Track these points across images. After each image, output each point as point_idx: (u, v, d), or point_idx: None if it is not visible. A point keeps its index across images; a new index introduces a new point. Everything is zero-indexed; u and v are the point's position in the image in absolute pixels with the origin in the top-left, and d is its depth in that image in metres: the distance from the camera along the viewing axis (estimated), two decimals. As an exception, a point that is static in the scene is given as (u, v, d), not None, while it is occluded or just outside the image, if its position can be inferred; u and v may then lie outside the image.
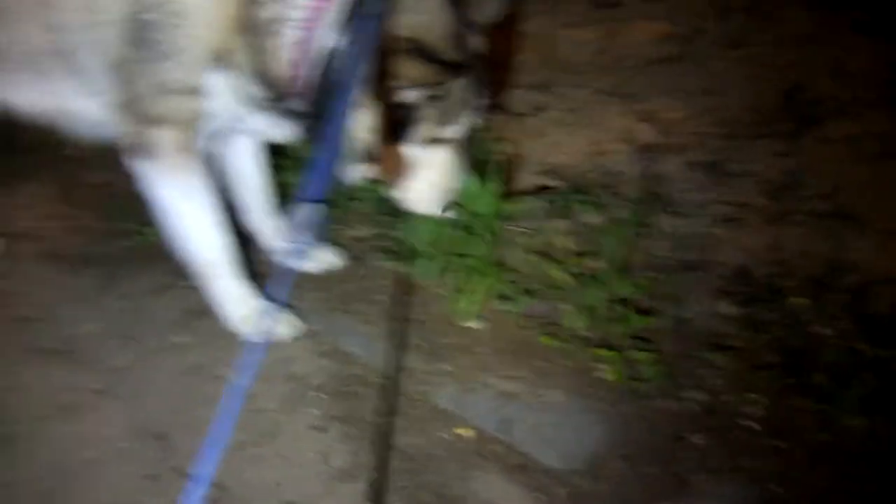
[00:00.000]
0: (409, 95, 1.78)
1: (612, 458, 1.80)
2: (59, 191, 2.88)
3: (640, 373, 1.99)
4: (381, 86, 1.76)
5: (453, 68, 1.79)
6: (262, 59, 1.79)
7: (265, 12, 1.73)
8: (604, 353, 2.03)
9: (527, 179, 2.69)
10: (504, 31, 3.88)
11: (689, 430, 1.85)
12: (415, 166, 1.92)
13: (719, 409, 1.90)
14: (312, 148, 1.64)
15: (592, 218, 2.49)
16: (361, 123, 1.80)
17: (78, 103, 1.96)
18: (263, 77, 1.81)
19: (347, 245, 2.50)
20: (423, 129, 1.85)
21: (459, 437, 1.87)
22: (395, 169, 1.91)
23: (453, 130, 1.90)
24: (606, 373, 2.00)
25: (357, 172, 1.94)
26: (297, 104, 1.83)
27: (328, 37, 1.71)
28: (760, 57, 3.28)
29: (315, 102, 1.78)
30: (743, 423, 1.86)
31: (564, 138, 2.95)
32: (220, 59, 1.78)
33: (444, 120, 1.86)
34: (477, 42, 1.88)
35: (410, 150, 1.88)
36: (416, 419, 1.90)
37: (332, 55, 1.71)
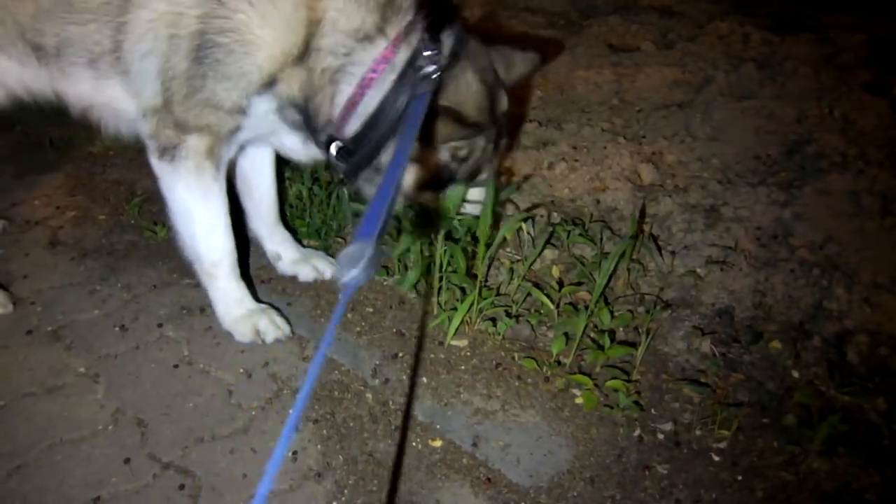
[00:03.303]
0: (443, 151, 2.07)
1: (578, 480, 1.82)
2: (77, 184, 2.99)
3: (613, 401, 2.01)
4: (426, 146, 2.04)
5: (476, 127, 2.03)
6: (316, 102, 1.94)
7: (333, 61, 1.88)
8: (580, 379, 2.05)
9: (525, 208, 2.75)
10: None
11: (656, 460, 1.87)
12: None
13: (687, 442, 1.92)
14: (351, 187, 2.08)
15: (584, 250, 2.54)
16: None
17: (121, 103, 2.03)
18: (312, 114, 1.96)
19: (344, 257, 2.57)
20: (460, 177, 2.17)
21: (431, 448, 1.90)
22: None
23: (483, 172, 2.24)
24: (581, 398, 2.03)
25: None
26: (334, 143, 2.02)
27: (379, 96, 1.89)
28: (767, 108, 3.33)
29: (351, 151, 1.98)
30: (709, 457, 1.88)
31: (567, 173, 3.01)
32: (271, 85, 1.90)
33: (473, 169, 2.16)
34: (504, 101, 2.14)
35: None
36: (391, 427, 1.94)
37: (380, 113, 1.89)
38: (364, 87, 1.90)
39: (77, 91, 2.06)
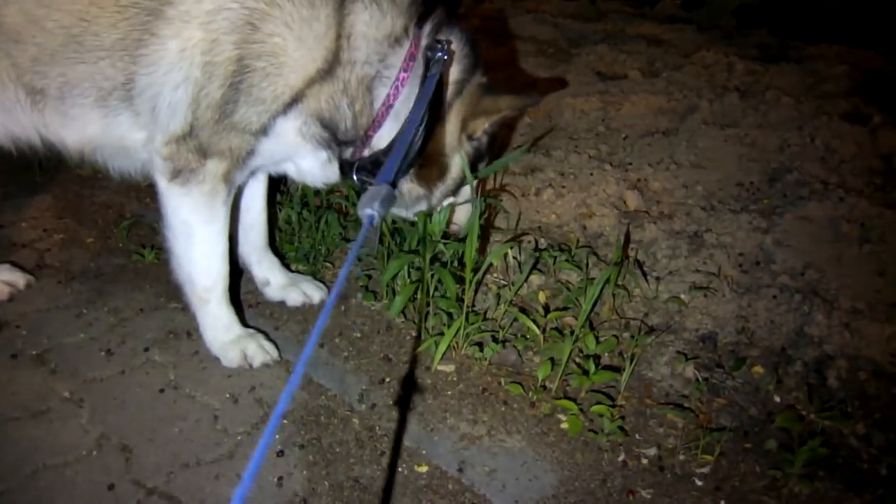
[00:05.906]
0: (490, 128, 2.19)
1: (562, 506, 1.83)
2: (65, 207, 2.99)
3: (598, 426, 2.03)
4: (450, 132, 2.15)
5: (523, 98, 2.25)
6: (355, 110, 1.98)
7: (370, 70, 1.95)
8: (565, 404, 2.07)
9: (511, 234, 2.77)
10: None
11: (640, 485, 1.88)
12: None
13: (671, 467, 1.93)
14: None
15: (570, 276, 2.57)
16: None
17: (128, 136, 1.99)
18: (348, 124, 2.00)
19: (332, 282, 2.59)
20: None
21: (417, 473, 1.90)
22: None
23: None
24: (566, 423, 2.04)
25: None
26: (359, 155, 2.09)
27: (414, 93, 1.96)
28: (750, 137, 3.40)
29: (376, 161, 2.02)
30: (692, 481, 1.89)
31: (554, 199, 3.05)
32: (298, 103, 1.91)
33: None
34: None
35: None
36: (377, 453, 1.95)
37: (416, 109, 1.93)
38: (399, 87, 1.97)
39: (83, 134, 1.99)
